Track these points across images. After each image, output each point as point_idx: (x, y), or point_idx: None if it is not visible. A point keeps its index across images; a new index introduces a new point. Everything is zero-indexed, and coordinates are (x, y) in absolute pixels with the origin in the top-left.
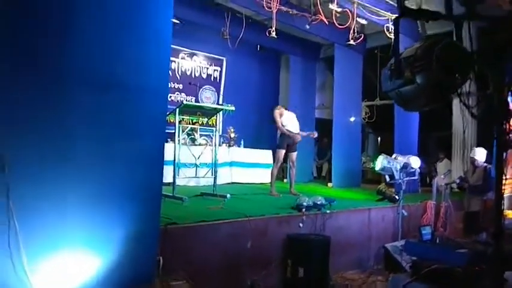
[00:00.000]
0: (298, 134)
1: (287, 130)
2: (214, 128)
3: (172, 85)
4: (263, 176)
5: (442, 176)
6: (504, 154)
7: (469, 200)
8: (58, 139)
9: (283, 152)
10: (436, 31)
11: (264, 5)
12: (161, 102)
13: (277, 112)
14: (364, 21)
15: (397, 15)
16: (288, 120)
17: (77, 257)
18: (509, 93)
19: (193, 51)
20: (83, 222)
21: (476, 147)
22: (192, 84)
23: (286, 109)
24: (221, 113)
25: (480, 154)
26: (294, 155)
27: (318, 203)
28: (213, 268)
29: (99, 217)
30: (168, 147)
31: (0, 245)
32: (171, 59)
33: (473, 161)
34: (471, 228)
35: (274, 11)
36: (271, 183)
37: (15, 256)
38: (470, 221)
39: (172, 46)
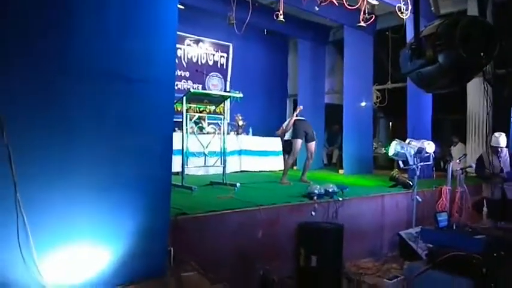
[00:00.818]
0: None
1: (289, 120)
2: (222, 116)
3: (179, 73)
4: (273, 164)
5: (458, 161)
6: None
7: (502, 188)
8: (63, 131)
9: (300, 141)
10: (450, 10)
11: None
12: (168, 92)
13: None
14: (375, 2)
15: None
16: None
17: (87, 249)
18: None
19: (199, 37)
20: (92, 215)
21: (494, 131)
22: (199, 71)
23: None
24: (229, 100)
25: (504, 140)
26: (313, 144)
27: (330, 190)
28: (225, 258)
29: (109, 209)
30: (176, 136)
31: (9, 237)
32: (177, 46)
33: (497, 149)
34: (497, 214)
35: None
36: (283, 171)
37: (24, 248)
38: (496, 208)
39: (177, 32)
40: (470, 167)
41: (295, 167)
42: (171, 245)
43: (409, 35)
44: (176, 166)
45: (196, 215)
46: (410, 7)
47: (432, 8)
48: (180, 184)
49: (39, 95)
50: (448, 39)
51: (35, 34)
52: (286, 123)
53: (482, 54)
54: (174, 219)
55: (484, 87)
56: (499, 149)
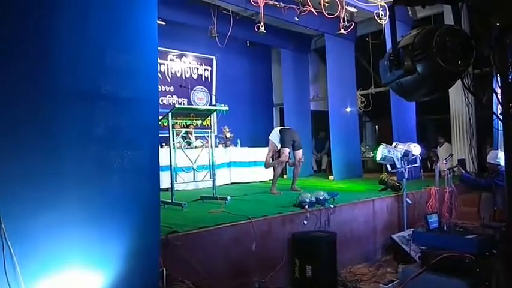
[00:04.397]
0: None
1: (278, 131)
2: (209, 130)
3: (163, 88)
4: (262, 174)
5: (444, 161)
6: None
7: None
8: (46, 153)
9: (287, 150)
10: (426, 13)
11: (251, 0)
12: (152, 108)
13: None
14: (353, 9)
15: (391, 1)
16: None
17: (77, 276)
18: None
19: (182, 52)
20: (81, 238)
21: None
22: (184, 86)
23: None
24: (215, 113)
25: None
26: (300, 152)
27: (321, 198)
28: (219, 274)
29: (97, 231)
30: (164, 152)
31: None
32: (160, 61)
33: (496, 166)
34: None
35: (262, 5)
36: (272, 181)
37: (11, 279)
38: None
39: (160, 48)
40: (457, 166)
41: (285, 176)
42: (163, 264)
43: (389, 40)
44: (165, 182)
45: (188, 232)
46: (388, 13)
47: (409, 12)
48: (170, 201)
49: (19, 116)
50: (426, 49)
51: (14, 50)
52: (267, 156)
53: (459, 62)
54: (165, 238)
55: (465, 94)
56: (497, 166)
